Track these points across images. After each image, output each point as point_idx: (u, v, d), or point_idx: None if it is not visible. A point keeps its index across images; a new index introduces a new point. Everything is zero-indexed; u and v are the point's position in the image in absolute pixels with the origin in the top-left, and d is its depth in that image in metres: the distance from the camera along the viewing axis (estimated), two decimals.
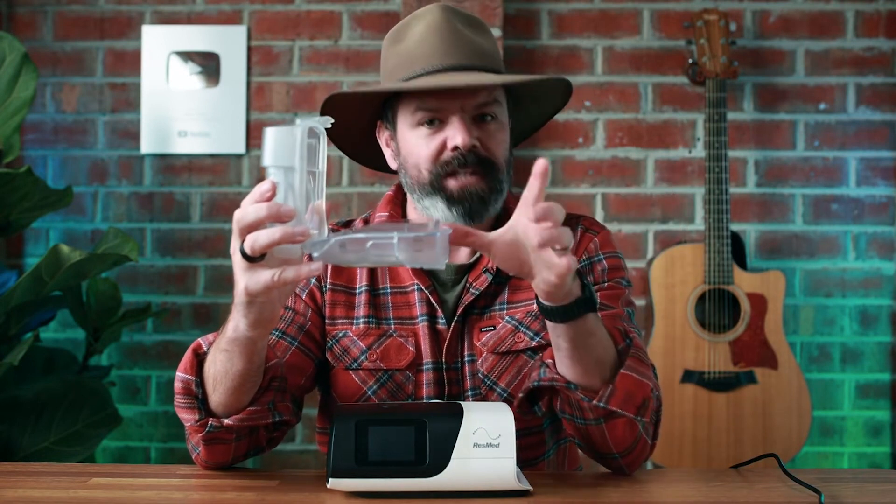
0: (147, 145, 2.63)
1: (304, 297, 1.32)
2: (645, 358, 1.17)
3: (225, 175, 2.63)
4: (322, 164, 0.99)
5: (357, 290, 1.32)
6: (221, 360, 1.10)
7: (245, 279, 0.98)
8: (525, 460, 1.22)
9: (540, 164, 1.03)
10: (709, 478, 1.21)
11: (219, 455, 1.18)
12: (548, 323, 1.10)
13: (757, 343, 2.35)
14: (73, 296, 2.26)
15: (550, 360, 1.16)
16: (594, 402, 1.11)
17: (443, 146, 1.24)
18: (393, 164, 1.33)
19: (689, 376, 2.34)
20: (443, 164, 1.24)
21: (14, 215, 2.08)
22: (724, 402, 2.34)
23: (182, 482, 1.17)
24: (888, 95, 2.61)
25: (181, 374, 1.15)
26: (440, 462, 1.03)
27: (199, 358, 1.16)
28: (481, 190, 1.24)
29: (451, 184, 1.24)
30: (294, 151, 0.95)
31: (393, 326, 1.30)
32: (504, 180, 1.27)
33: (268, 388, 1.17)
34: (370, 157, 1.41)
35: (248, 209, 0.96)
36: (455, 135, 1.22)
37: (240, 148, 2.62)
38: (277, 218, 0.94)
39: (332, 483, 1.04)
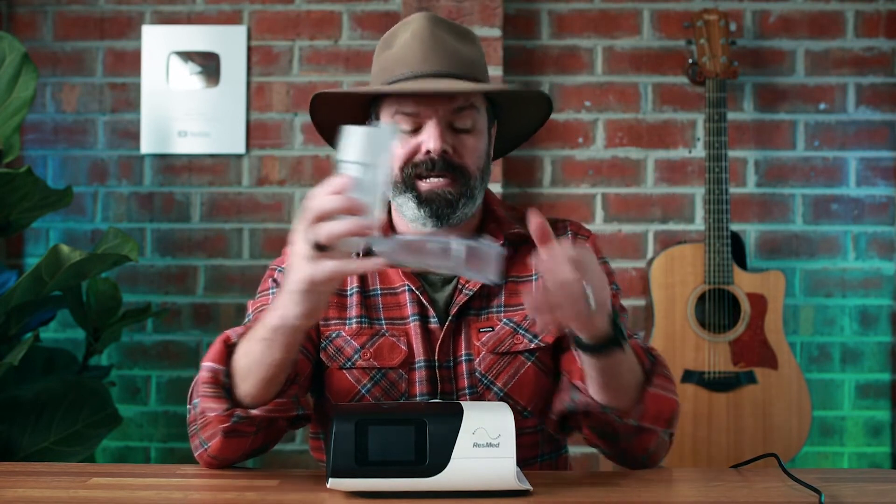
0: (147, 145, 2.64)
1: None
2: (668, 372, 1.24)
3: (225, 175, 2.63)
4: (388, 167, 1.03)
5: (348, 292, 1.34)
6: (258, 349, 1.11)
7: (310, 268, 1.01)
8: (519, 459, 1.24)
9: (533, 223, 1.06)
10: (709, 478, 1.21)
11: (232, 449, 1.18)
12: (576, 351, 1.16)
13: (757, 343, 2.35)
14: (73, 296, 2.26)
15: (580, 383, 1.21)
16: (626, 420, 1.18)
17: (417, 149, 1.27)
18: None
19: (689, 376, 2.34)
20: (414, 165, 1.27)
21: (14, 215, 2.08)
22: (724, 402, 2.34)
23: (182, 482, 1.17)
24: (888, 95, 2.61)
25: (210, 364, 1.16)
26: (440, 462, 1.03)
27: (229, 348, 1.17)
28: (449, 193, 1.27)
29: (422, 185, 1.28)
30: (379, 150, 0.99)
31: (385, 326, 1.32)
32: (476, 187, 1.30)
33: (293, 382, 1.19)
34: None
35: (325, 199, 0.99)
36: (428, 140, 1.26)
37: (240, 148, 2.63)
38: (350, 210, 0.97)
39: (332, 483, 1.04)
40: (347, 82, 2.62)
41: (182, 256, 2.64)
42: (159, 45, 2.63)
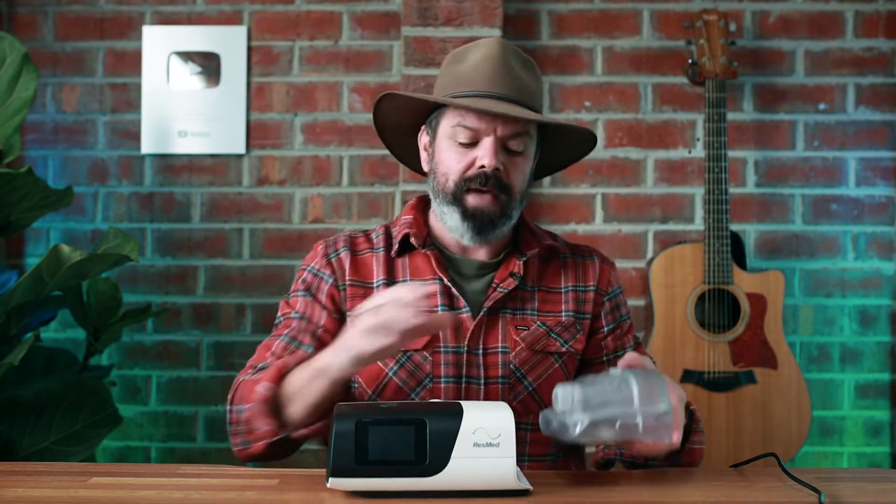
0: (147, 145, 2.64)
1: (322, 300, 1.42)
2: (701, 425, 1.35)
3: (225, 175, 2.63)
4: (627, 407, 1.12)
5: (374, 284, 1.43)
6: (304, 378, 1.25)
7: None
8: (530, 454, 1.37)
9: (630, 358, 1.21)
10: (709, 478, 1.21)
11: (274, 454, 1.31)
12: None
13: (756, 343, 2.35)
14: (74, 296, 2.26)
15: None
16: (663, 464, 1.32)
17: (472, 163, 1.37)
18: (426, 167, 1.46)
19: (688, 376, 2.34)
20: (467, 178, 1.37)
21: (14, 215, 2.08)
22: (724, 402, 2.34)
23: (182, 482, 1.17)
24: (888, 95, 2.62)
25: (268, 384, 1.27)
26: (440, 461, 1.03)
27: (283, 373, 1.29)
28: (493, 213, 1.37)
29: (470, 200, 1.37)
30: (649, 399, 1.11)
31: None
32: (515, 208, 1.40)
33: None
34: (408, 156, 1.54)
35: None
36: (484, 155, 1.35)
37: (240, 148, 2.63)
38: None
39: (332, 483, 1.04)
40: (347, 83, 2.62)
41: (182, 256, 2.64)
42: (159, 45, 2.63)
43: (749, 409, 2.34)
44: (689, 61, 2.48)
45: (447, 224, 1.40)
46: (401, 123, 1.48)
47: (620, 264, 2.60)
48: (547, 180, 2.62)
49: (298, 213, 2.63)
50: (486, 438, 1.04)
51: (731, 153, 2.56)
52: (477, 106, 1.33)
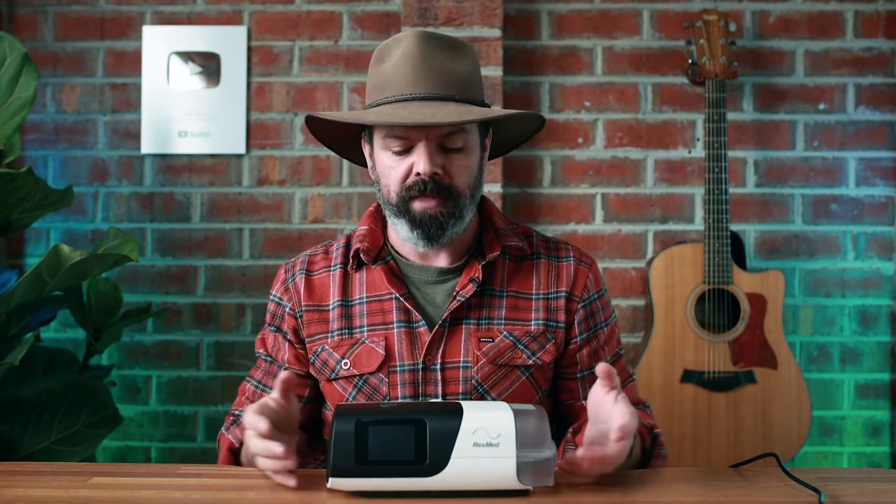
0: (147, 145, 2.64)
1: (285, 330, 1.41)
2: (665, 450, 1.34)
3: (225, 175, 2.63)
4: None
5: (329, 307, 1.38)
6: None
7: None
8: None
9: (601, 370, 1.14)
10: (709, 478, 1.21)
11: None
12: None
13: (756, 343, 2.35)
14: (74, 296, 2.26)
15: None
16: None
17: (410, 170, 1.29)
18: (372, 176, 1.39)
19: (688, 376, 2.34)
20: (408, 187, 1.30)
21: (15, 215, 2.08)
22: (724, 402, 2.34)
23: (182, 482, 1.17)
24: (888, 95, 2.62)
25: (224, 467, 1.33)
26: (440, 461, 1.03)
27: (234, 453, 1.35)
28: (440, 214, 1.29)
29: (415, 206, 1.30)
30: None
31: (366, 334, 1.35)
32: (465, 206, 1.32)
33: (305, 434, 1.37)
34: (360, 159, 1.46)
35: None
36: (419, 161, 1.28)
37: (240, 148, 2.63)
38: None
39: (332, 483, 1.04)
40: (347, 82, 2.63)
41: (182, 256, 2.64)
42: (160, 45, 2.63)
43: (749, 409, 2.34)
44: (689, 61, 2.49)
45: (400, 234, 1.34)
46: (343, 130, 1.41)
47: (620, 264, 2.60)
48: (547, 180, 2.62)
49: (298, 213, 2.63)
50: (486, 438, 1.04)
51: (731, 153, 2.56)
52: (397, 121, 1.23)
